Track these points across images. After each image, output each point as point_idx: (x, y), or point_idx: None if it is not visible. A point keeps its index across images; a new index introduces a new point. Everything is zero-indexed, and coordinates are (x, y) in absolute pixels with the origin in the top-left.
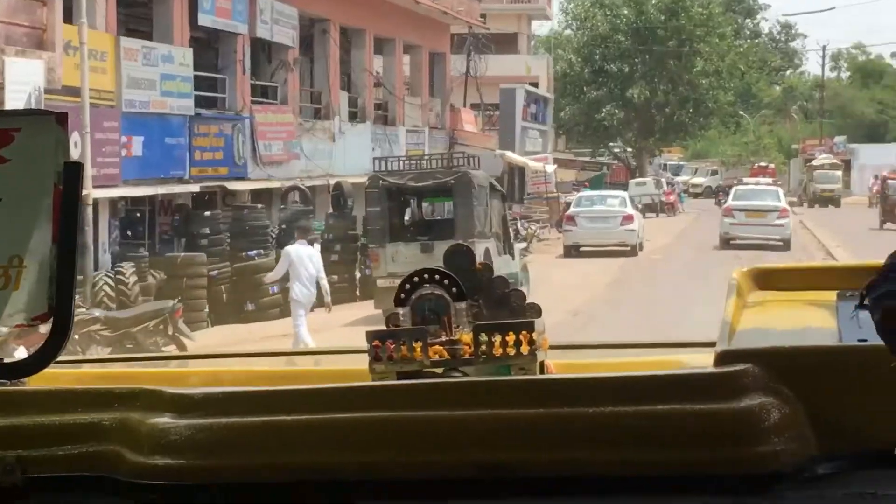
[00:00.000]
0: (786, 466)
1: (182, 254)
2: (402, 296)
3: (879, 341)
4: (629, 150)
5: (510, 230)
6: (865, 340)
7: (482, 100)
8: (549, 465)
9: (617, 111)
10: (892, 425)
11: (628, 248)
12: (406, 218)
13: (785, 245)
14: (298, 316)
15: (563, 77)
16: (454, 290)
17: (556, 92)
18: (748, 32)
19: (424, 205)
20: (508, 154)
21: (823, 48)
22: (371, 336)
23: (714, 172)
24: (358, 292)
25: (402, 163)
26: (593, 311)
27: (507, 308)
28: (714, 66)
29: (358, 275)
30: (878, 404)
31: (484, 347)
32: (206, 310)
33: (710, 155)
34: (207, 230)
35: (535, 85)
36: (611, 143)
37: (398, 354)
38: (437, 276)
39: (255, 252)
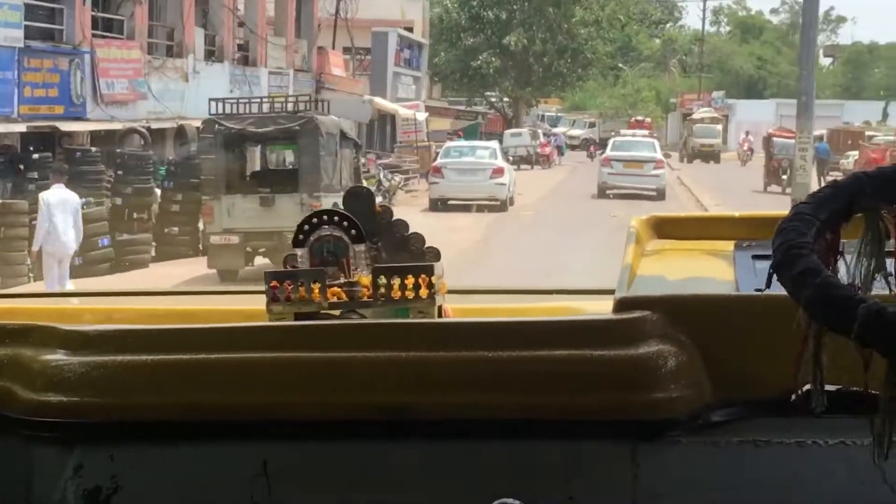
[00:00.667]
0: (681, 413)
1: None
2: (301, 237)
3: (775, 291)
4: (506, 99)
5: (364, 182)
6: (761, 290)
7: (353, 43)
8: (448, 408)
9: (494, 59)
10: (785, 374)
11: (498, 203)
12: (245, 168)
13: (659, 195)
14: (50, 270)
15: (440, 22)
16: (353, 231)
17: (432, 38)
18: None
19: (268, 153)
20: (377, 100)
21: (704, 1)
22: (269, 276)
23: (592, 125)
24: (201, 246)
25: (242, 105)
26: (463, 268)
27: (407, 251)
28: (594, 15)
29: (201, 227)
30: (772, 353)
31: (383, 290)
32: (28, 263)
33: (588, 107)
34: (35, 175)
35: (410, 30)
36: (487, 93)
37: (296, 295)
38: (336, 218)
39: (83, 200)
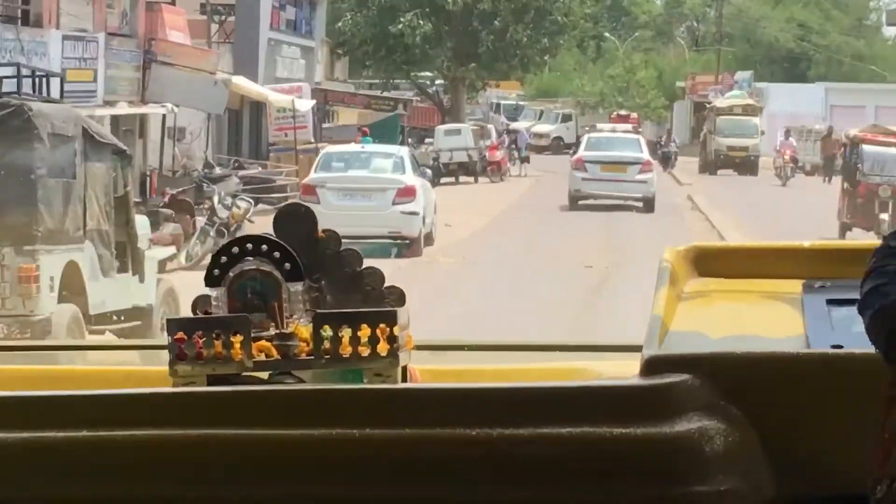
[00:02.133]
0: None
1: None
2: (216, 272)
3: (860, 347)
4: (441, 82)
5: (135, 226)
6: (841, 347)
7: None
8: None
9: (422, 22)
10: (874, 459)
11: (406, 242)
12: None
13: (647, 206)
14: None
15: None
16: (287, 265)
17: None
18: None
19: None
20: (238, 81)
21: None
22: (173, 326)
23: (567, 118)
24: None
25: None
26: None
27: (360, 292)
28: None
29: None
30: (853, 431)
31: (327, 344)
32: None
33: (561, 93)
34: None
35: None
36: (414, 72)
37: (209, 352)
38: (263, 246)
39: None
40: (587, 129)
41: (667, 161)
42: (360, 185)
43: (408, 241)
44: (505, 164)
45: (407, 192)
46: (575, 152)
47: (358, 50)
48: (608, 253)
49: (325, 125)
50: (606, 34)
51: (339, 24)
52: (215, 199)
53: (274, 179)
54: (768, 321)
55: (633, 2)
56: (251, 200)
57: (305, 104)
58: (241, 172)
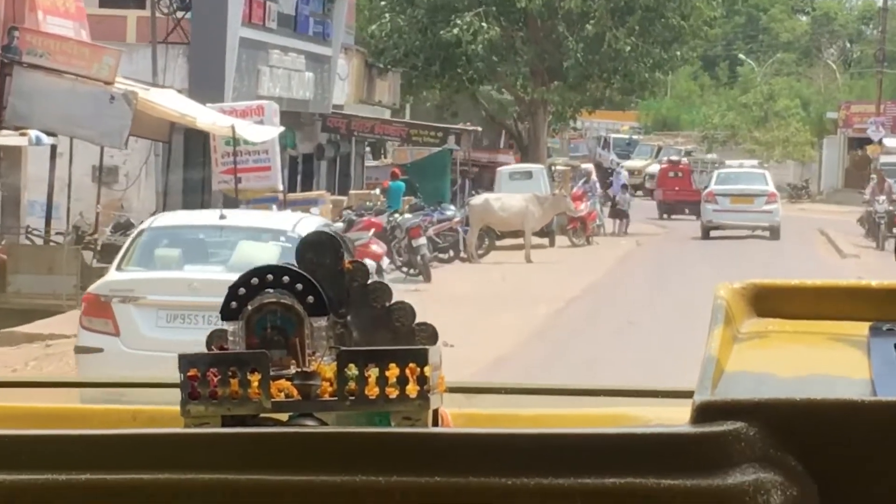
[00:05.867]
0: None
1: None
2: (234, 304)
3: None
4: (517, 107)
5: None
6: None
7: None
8: None
9: (486, 26)
10: None
11: None
12: None
13: (774, 234)
14: None
15: None
16: (310, 298)
17: None
18: None
19: None
20: (151, 96)
21: None
22: (186, 362)
23: (688, 154)
24: None
25: None
26: None
27: (389, 329)
28: None
29: None
30: None
31: (352, 385)
32: None
33: (682, 125)
34: None
35: None
36: (480, 93)
37: (224, 390)
38: (285, 278)
39: None
40: (718, 165)
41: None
42: (194, 302)
43: None
44: (593, 220)
45: None
46: (706, 187)
47: (402, 63)
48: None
49: (369, 164)
50: (741, 55)
51: (374, 27)
52: None
53: None
54: (831, 365)
55: (772, 18)
56: None
57: (261, 133)
58: None
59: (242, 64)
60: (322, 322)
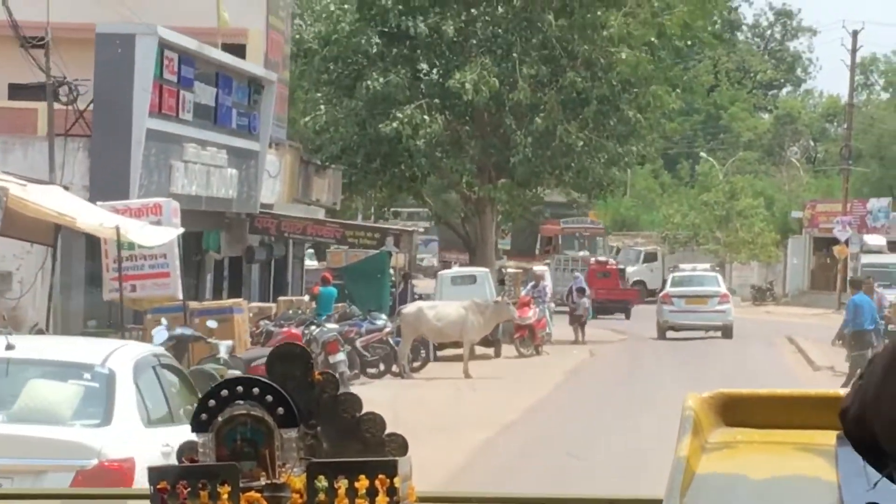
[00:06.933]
0: None
1: None
2: (204, 416)
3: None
4: (464, 205)
5: None
6: None
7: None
8: None
9: (428, 119)
10: None
11: None
12: None
13: (726, 333)
14: None
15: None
16: (280, 410)
17: (296, 72)
18: (718, 23)
19: None
20: (21, 193)
21: (854, 34)
22: (155, 475)
23: (650, 257)
24: None
25: None
26: None
27: (358, 439)
28: (641, 30)
29: None
30: None
31: (322, 497)
32: None
33: (642, 225)
34: None
35: (242, 49)
36: (421, 192)
37: (194, 503)
38: (255, 390)
39: None
40: (671, 269)
41: None
42: None
43: None
44: (542, 328)
45: None
46: (661, 290)
47: (340, 159)
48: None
49: (310, 266)
50: (702, 153)
51: (307, 119)
52: None
53: None
54: (800, 475)
55: (733, 117)
56: None
57: (157, 235)
58: None
59: (151, 159)
60: (292, 433)
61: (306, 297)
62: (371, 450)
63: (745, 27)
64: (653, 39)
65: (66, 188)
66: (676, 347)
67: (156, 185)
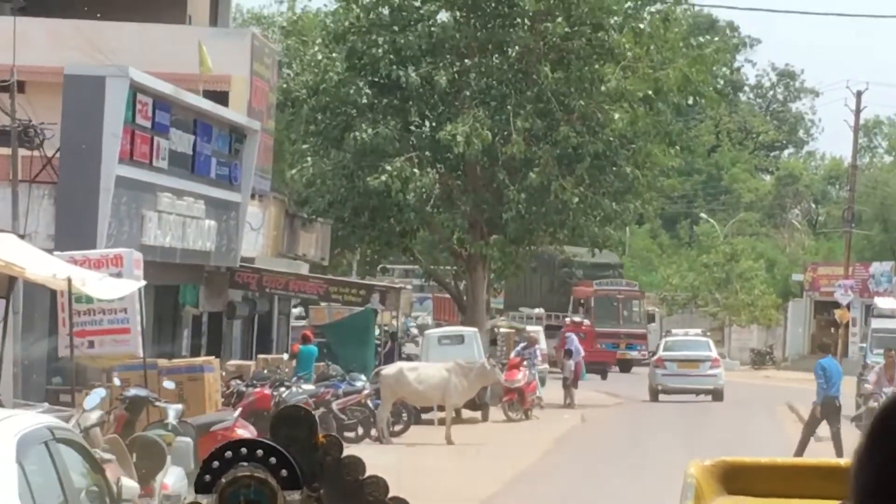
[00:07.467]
0: None
1: None
2: (208, 477)
3: None
4: (455, 262)
5: None
6: None
7: None
8: None
9: (418, 172)
10: None
11: None
12: None
13: (717, 396)
14: None
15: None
16: (284, 472)
17: (282, 123)
18: (720, 83)
19: None
20: None
21: (858, 95)
22: None
23: (649, 318)
24: None
25: None
26: None
27: (362, 503)
28: (640, 85)
29: None
30: None
31: None
32: None
33: (640, 286)
34: None
35: (225, 97)
36: (412, 247)
37: None
38: (259, 451)
39: None
40: (665, 334)
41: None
42: None
43: None
44: (532, 392)
45: None
46: (654, 354)
47: (327, 213)
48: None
49: (297, 323)
50: (702, 214)
51: (293, 172)
52: None
53: None
54: None
55: (734, 178)
56: None
57: (115, 288)
58: None
59: (122, 207)
60: (295, 496)
61: (285, 356)
62: None
63: (747, 87)
64: (650, 93)
65: (21, 237)
66: (671, 413)
67: (126, 236)
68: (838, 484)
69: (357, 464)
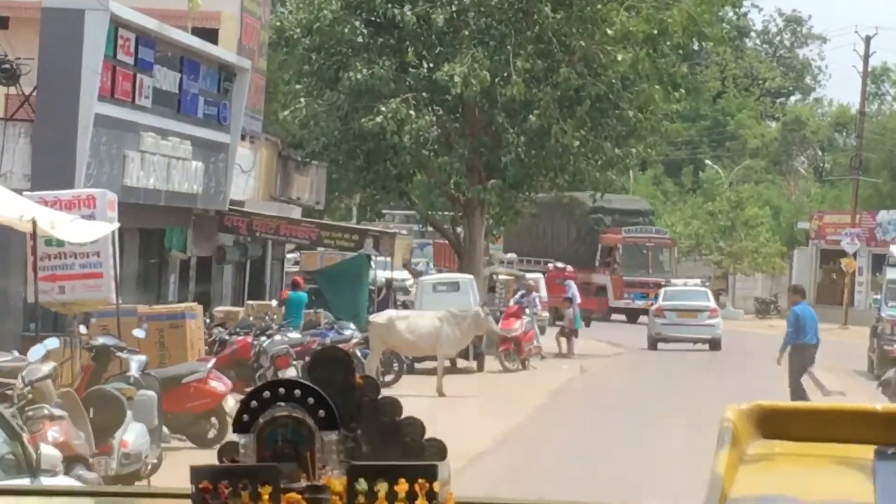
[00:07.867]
0: None
1: None
2: (246, 417)
3: None
4: (456, 205)
5: None
6: None
7: None
8: None
9: (414, 114)
10: None
11: None
12: None
13: (715, 345)
14: None
15: (290, 33)
16: (321, 413)
17: (275, 62)
18: (726, 27)
19: None
20: None
21: (867, 40)
22: (197, 474)
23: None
24: None
25: None
26: None
27: (398, 443)
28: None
29: None
30: None
31: (362, 499)
32: None
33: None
34: None
35: (214, 35)
36: (408, 191)
37: (235, 503)
38: (297, 392)
39: None
40: (665, 283)
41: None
42: None
43: None
44: (529, 341)
45: None
46: (654, 303)
47: (322, 156)
48: None
49: (290, 269)
50: (707, 161)
51: (287, 112)
52: None
53: None
54: (836, 489)
55: (740, 124)
56: None
57: (86, 231)
58: None
59: (102, 147)
60: (332, 436)
61: (273, 303)
62: (411, 454)
63: (753, 33)
64: (654, 33)
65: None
66: (673, 365)
67: (107, 177)
68: (874, 428)
69: (394, 404)
